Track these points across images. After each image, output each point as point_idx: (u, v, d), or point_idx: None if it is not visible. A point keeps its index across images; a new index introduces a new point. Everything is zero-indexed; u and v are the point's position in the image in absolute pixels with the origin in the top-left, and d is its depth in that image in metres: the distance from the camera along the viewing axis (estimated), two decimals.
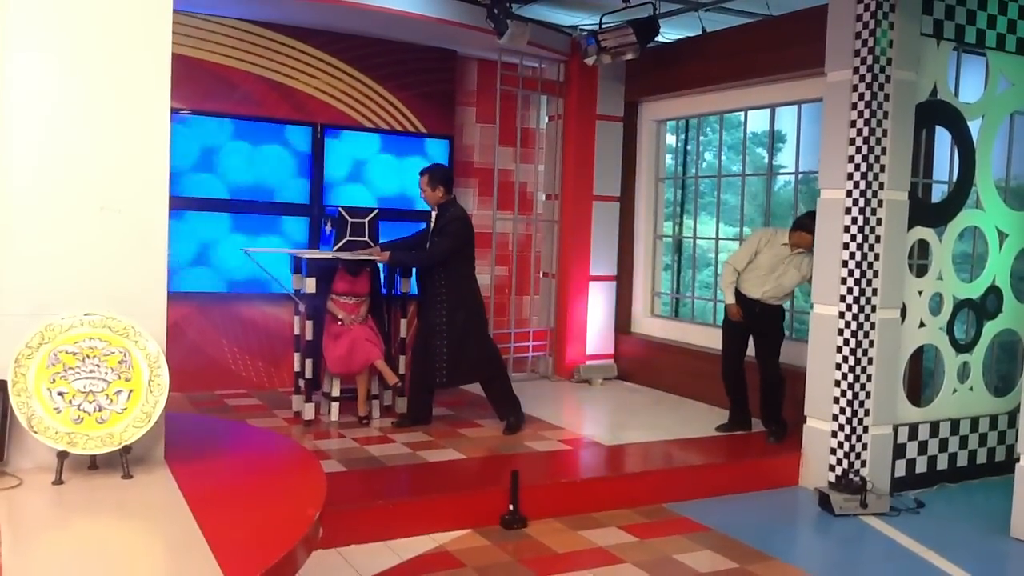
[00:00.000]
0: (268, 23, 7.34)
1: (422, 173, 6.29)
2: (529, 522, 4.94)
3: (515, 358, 8.46)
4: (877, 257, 5.61)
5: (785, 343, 6.38)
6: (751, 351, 6.46)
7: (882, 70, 5.49)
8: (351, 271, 6.37)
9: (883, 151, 5.56)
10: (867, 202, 5.54)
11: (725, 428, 6.54)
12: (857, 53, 5.54)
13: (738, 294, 6.34)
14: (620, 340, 8.71)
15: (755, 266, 6.29)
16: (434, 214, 6.28)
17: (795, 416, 6.11)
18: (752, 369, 6.40)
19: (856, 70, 5.55)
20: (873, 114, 5.50)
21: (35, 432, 2.64)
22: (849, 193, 5.61)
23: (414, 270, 6.54)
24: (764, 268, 6.25)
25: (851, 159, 5.59)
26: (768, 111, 7.60)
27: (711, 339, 7.72)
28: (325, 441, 5.93)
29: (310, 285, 6.23)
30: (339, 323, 6.31)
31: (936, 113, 5.92)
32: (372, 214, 6.58)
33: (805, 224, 6.12)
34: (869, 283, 5.60)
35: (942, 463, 6.07)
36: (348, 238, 6.42)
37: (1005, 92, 6.22)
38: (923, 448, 5.97)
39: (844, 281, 5.64)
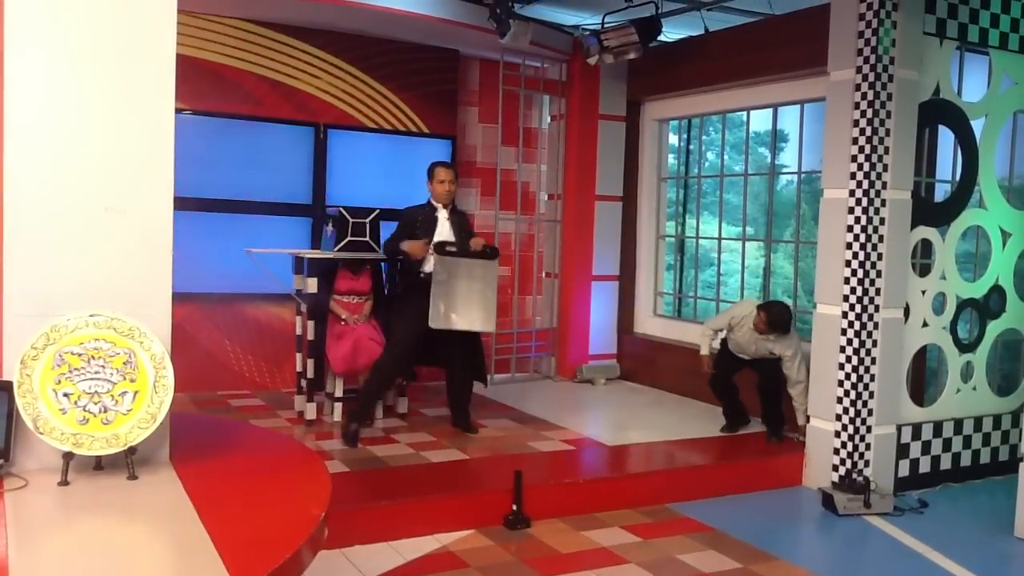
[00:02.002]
0: (270, 23, 7.35)
1: (450, 166, 6.27)
2: (532, 522, 4.94)
3: (518, 358, 8.46)
4: (880, 257, 5.61)
5: None
6: None
7: (885, 69, 5.49)
8: (352, 270, 6.37)
9: (886, 150, 5.56)
10: (870, 201, 5.54)
11: (727, 429, 6.52)
12: (860, 52, 5.54)
13: (726, 344, 6.40)
14: (623, 340, 8.71)
15: (732, 335, 6.31)
16: (447, 210, 6.13)
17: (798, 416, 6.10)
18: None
19: (859, 69, 5.55)
20: (876, 113, 5.50)
21: (41, 433, 2.64)
22: (852, 192, 5.61)
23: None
24: (740, 342, 6.26)
25: (854, 158, 5.59)
26: (771, 110, 7.59)
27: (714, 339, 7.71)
28: (328, 441, 5.93)
29: (312, 285, 6.23)
30: (342, 323, 6.31)
31: (939, 112, 5.91)
32: (373, 215, 6.57)
33: (764, 314, 5.99)
34: (872, 283, 5.59)
35: (946, 463, 6.07)
36: (349, 238, 6.41)
37: (1008, 91, 6.22)
38: (927, 448, 5.96)
39: (847, 281, 5.64)
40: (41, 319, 2.73)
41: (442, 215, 6.13)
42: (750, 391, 6.38)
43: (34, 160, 2.80)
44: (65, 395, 2.69)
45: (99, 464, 2.74)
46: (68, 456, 2.65)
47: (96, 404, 2.71)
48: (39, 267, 2.80)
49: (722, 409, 6.59)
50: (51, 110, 2.82)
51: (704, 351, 6.42)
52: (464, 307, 5.99)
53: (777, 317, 5.98)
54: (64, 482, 2.64)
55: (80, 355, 2.72)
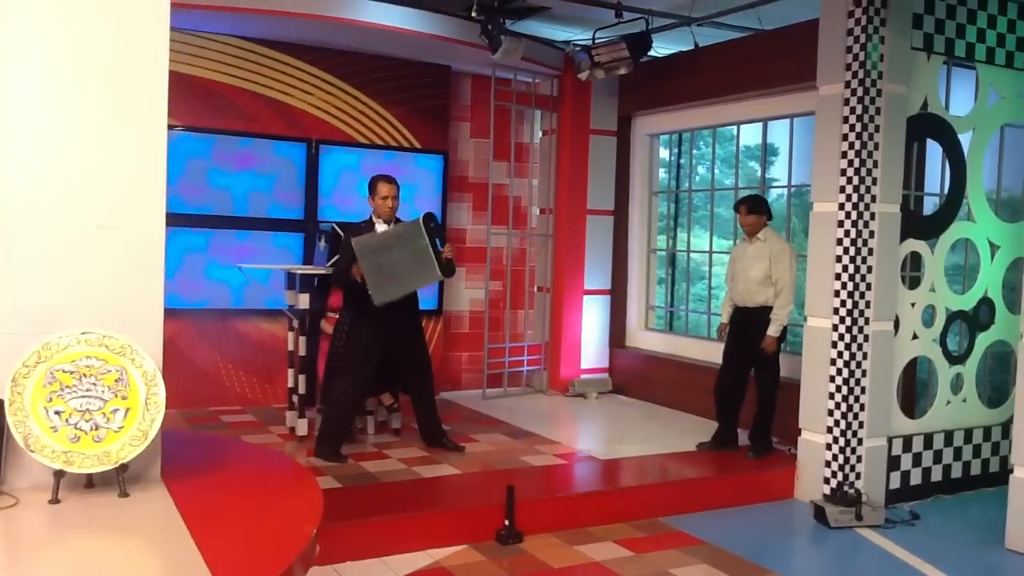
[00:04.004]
0: (262, 40, 7.38)
1: (392, 181, 5.90)
2: (525, 537, 4.94)
3: (510, 372, 8.47)
4: (870, 269, 5.64)
5: (780, 356, 6.33)
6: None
7: (873, 84, 5.53)
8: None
9: (875, 164, 5.60)
10: (859, 215, 5.57)
11: (707, 446, 6.38)
12: (848, 67, 5.59)
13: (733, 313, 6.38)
14: (615, 354, 8.72)
15: (735, 281, 6.33)
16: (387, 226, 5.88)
17: (789, 428, 6.10)
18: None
19: (848, 84, 5.59)
20: (865, 127, 5.54)
21: (32, 451, 2.64)
22: (841, 206, 5.64)
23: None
24: (737, 273, 6.29)
25: (843, 172, 5.63)
26: (761, 125, 7.64)
27: (706, 352, 7.74)
28: (319, 457, 5.91)
29: (304, 301, 6.23)
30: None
31: (927, 126, 5.96)
32: None
33: (741, 205, 6.29)
34: (862, 295, 5.62)
35: (936, 475, 6.08)
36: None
37: (995, 105, 6.27)
38: (917, 460, 5.98)
39: (837, 294, 5.67)
40: (33, 336, 2.73)
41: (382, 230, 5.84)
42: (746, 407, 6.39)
43: (26, 177, 2.81)
44: (56, 413, 2.68)
45: (90, 482, 2.74)
46: (59, 474, 2.65)
47: (87, 422, 2.71)
48: (31, 284, 2.80)
49: (717, 422, 6.43)
50: (44, 127, 2.83)
51: (724, 319, 6.48)
52: (401, 273, 5.66)
53: (750, 197, 6.37)
54: (55, 500, 2.64)
55: (71, 373, 2.72)
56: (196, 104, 7.12)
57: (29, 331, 2.75)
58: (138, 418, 2.76)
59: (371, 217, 5.90)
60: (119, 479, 2.71)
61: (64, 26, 2.85)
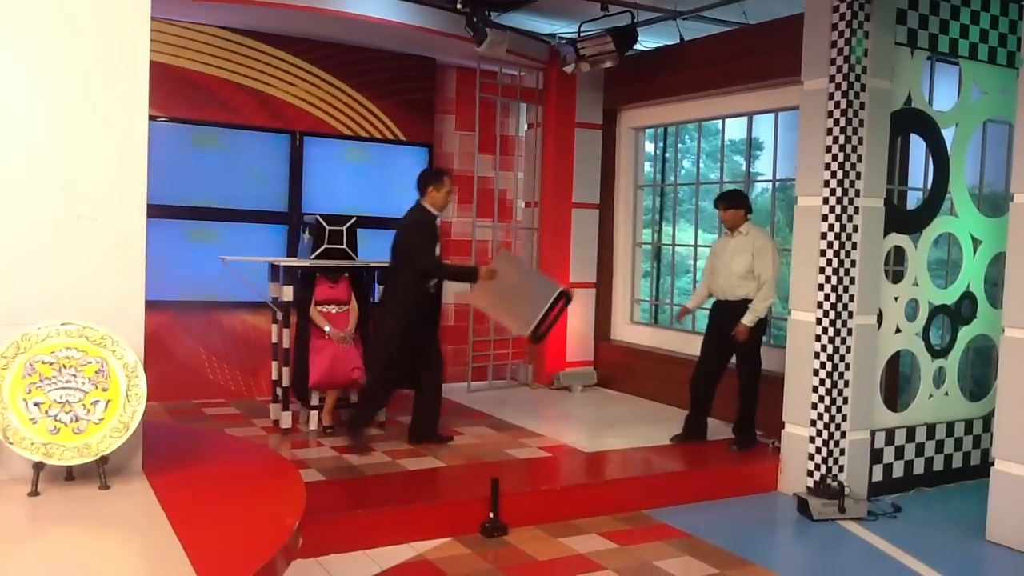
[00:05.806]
0: (246, 30, 7.33)
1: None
2: (509, 530, 4.94)
3: (495, 365, 8.47)
4: (854, 263, 5.66)
5: (763, 349, 6.36)
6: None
7: (857, 79, 5.55)
8: (330, 278, 6.33)
9: (859, 158, 5.62)
10: (843, 209, 5.59)
11: (679, 438, 6.41)
12: (833, 62, 5.60)
13: (713, 306, 6.39)
14: (600, 347, 8.73)
15: (716, 276, 6.33)
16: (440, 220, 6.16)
17: (773, 422, 6.13)
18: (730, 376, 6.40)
19: (832, 78, 5.61)
20: (849, 122, 5.55)
21: (10, 443, 2.62)
22: (826, 200, 5.66)
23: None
24: (719, 266, 6.30)
25: (827, 166, 5.64)
26: (745, 119, 7.65)
27: (690, 346, 7.74)
28: (303, 450, 5.90)
29: (287, 293, 6.20)
30: (326, 334, 6.20)
31: (911, 121, 5.98)
32: (350, 222, 6.54)
33: (720, 201, 6.34)
34: (846, 289, 5.64)
35: (919, 467, 6.12)
36: (326, 246, 6.39)
37: (978, 100, 6.30)
38: (900, 453, 6.02)
39: (821, 287, 5.69)
40: (11, 327, 2.70)
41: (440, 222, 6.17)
42: (723, 400, 6.40)
43: (5, 167, 2.78)
44: (36, 404, 2.66)
45: (70, 474, 2.72)
46: (39, 466, 2.63)
47: (67, 413, 2.68)
48: (10, 275, 2.78)
49: (687, 414, 6.46)
50: (23, 118, 2.80)
51: (689, 305, 6.60)
52: (506, 298, 6.18)
53: (727, 192, 6.48)
54: (34, 492, 2.62)
55: (51, 364, 2.70)
56: (179, 95, 7.07)
57: (8, 322, 2.72)
58: (119, 410, 2.74)
59: (427, 209, 5.93)
60: (99, 471, 2.69)
61: (42, 15, 2.81)
